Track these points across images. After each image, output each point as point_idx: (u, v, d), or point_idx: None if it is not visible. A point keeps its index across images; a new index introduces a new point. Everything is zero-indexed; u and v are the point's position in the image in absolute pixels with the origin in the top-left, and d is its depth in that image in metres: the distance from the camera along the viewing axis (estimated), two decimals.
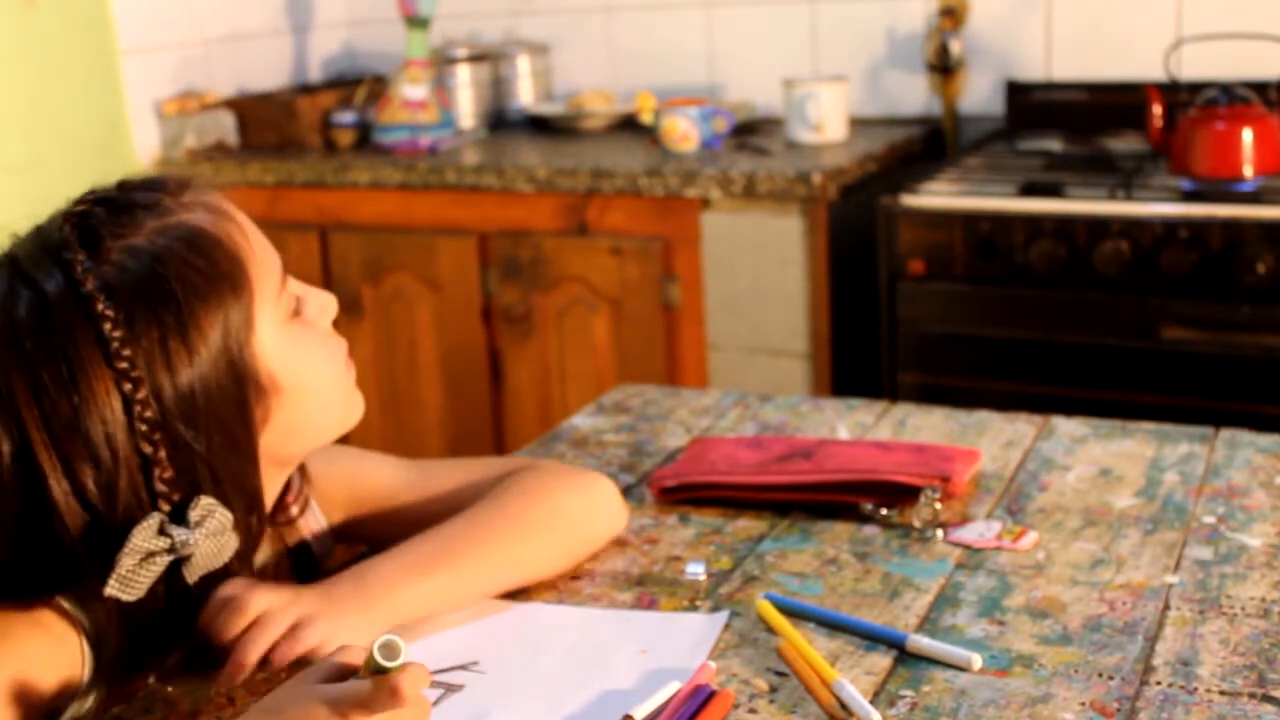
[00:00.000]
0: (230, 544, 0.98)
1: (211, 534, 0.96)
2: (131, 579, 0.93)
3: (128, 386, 0.93)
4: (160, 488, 0.94)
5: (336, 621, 1.01)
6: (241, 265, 1.00)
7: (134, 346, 0.93)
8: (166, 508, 0.94)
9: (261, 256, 1.03)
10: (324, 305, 1.09)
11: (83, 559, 0.93)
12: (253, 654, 0.99)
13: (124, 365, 0.93)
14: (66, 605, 0.96)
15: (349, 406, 1.10)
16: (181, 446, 0.95)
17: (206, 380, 0.96)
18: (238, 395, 0.98)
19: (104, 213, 0.98)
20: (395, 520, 1.18)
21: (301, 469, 1.14)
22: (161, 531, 0.93)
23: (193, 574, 0.97)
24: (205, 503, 0.96)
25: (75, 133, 2.83)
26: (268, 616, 1.00)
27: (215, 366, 0.97)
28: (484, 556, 1.11)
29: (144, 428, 0.93)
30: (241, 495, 1.00)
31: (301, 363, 1.04)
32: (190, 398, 0.95)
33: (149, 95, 2.99)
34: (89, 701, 0.97)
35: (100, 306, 0.93)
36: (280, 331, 1.03)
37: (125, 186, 1.02)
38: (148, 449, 0.93)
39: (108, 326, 0.93)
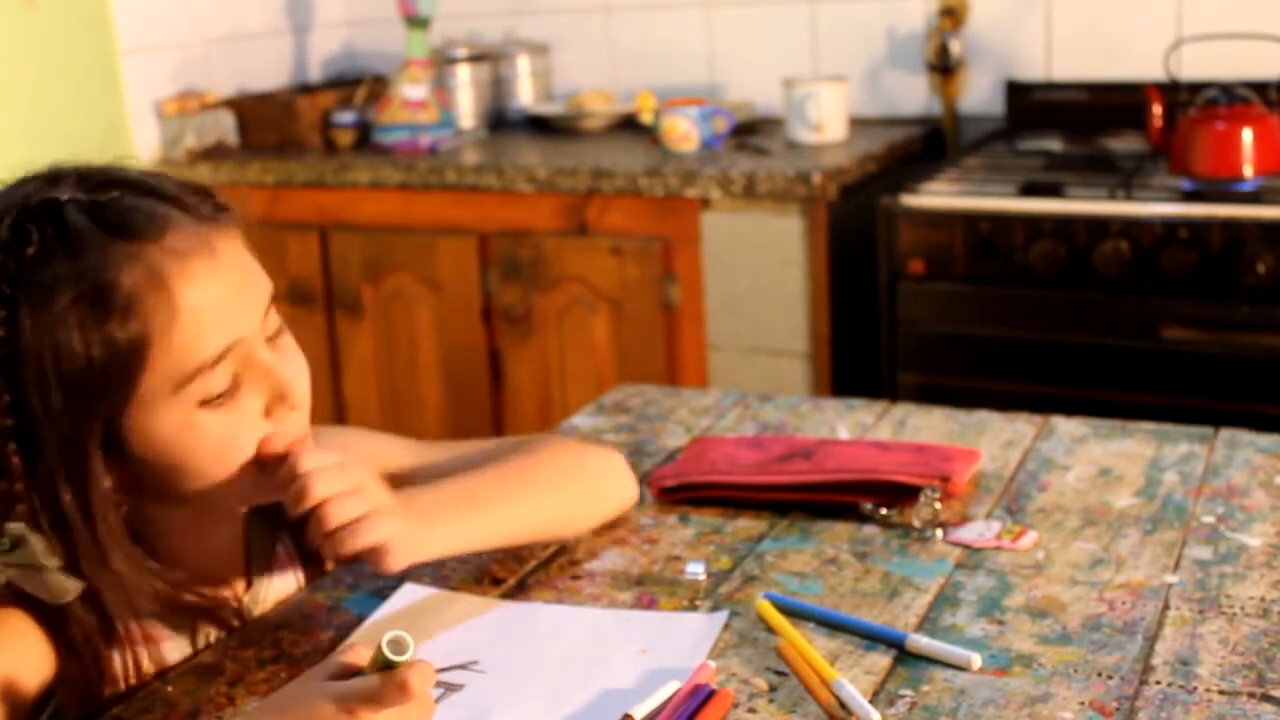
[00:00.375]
0: (55, 583, 0.93)
1: (18, 566, 0.92)
2: None
3: None
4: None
5: (407, 525, 1.01)
6: (138, 343, 0.92)
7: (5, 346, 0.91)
8: None
9: (184, 341, 0.94)
10: (278, 390, 0.99)
11: None
12: (325, 523, 0.98)
13: None
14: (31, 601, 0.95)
15: (236, 488, 1.00)
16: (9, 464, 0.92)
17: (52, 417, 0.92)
18: (77, 440, 0.93)
19: (63, 226, 0.94)
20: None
21: None
22: None
23: (40, 595, 0.93)
24: (13, 530, 0.92)
25: (75, 133, 2.83)
26: (341, 498, 0.98)
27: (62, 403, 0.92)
28: (526, 499, 1.14)
29: None
30: (71, 539, 0.94)
31: (182, 451, 0.96)
32: (30, 422, 0.92)
33: (149, 95, 2.99)
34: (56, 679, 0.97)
35: None
36: (169, 415, 0.95)
37: (134, 195, 0.98)
38: None
39: None
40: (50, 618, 0.96)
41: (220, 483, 0.99)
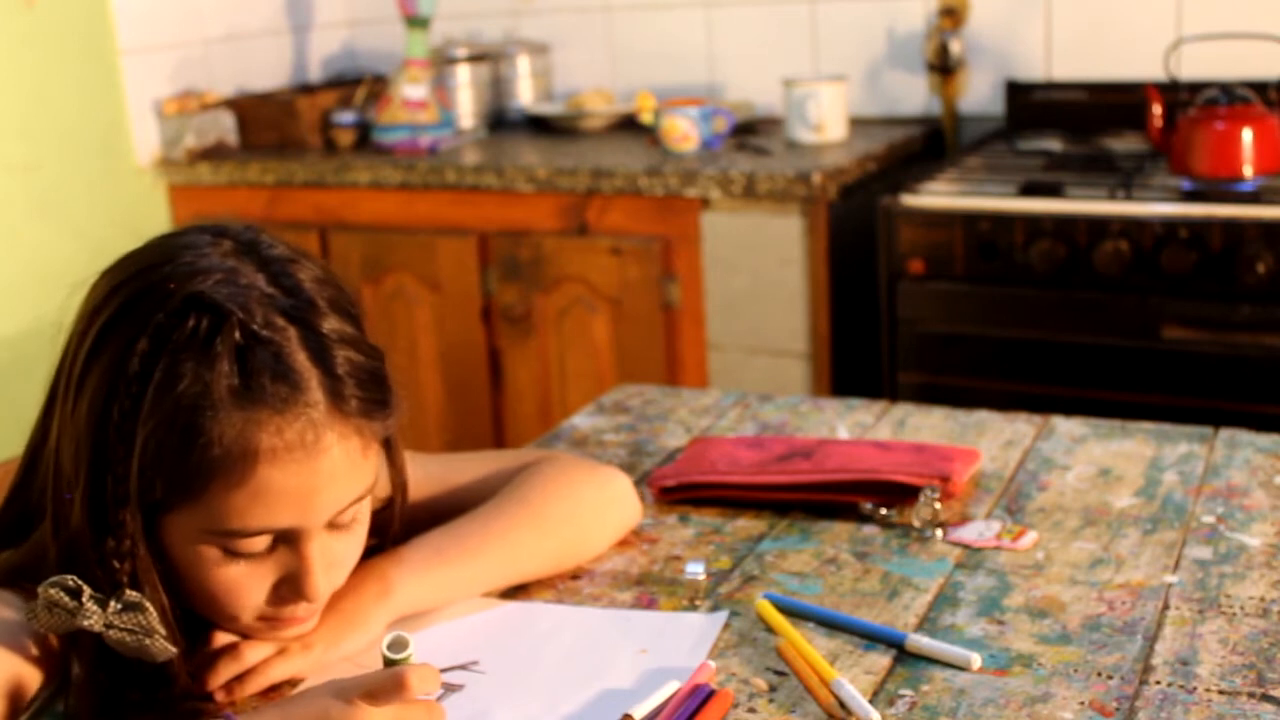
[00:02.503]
0: (158, 648, 0.93)
1: (134, 632, 0.92)
2: (40, 614, 0.91)
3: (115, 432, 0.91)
4: (108, 549, 0.91)
5: (303, 658, 1.01)
6: (198, 482, 0.91)
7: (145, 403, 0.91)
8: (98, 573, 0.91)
9: (237, 506, 0.92)
10: (297, 587, 0.96)
11: (48, 555, 0.94)
12: (213, 682, 0.98)
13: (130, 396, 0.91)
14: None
15: (226, 624, 1.00)
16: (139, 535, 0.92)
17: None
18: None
19: (281, 355, 0.92)
20: (413, 514, 1.17)
21: None
22: (74, 595, 0.90)
23: (118, 650, 0.93)
24: (130, 598, 0.91)
25: (75, 133, 2.83)
26: (246, 648, 0.99)
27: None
28: (502, 548, 1.11)
29: (111, 483, 0.91)
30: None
31: (186, 572, 0.95)
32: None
33: (149, 95, 2.99)
34: (55, 686, 0.97)
35: (148, 349, 0.91)
36: (192, 543, 0.94)
37: (316, 344, 0.94)
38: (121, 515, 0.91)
39: (137, 364, 0.91)
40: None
41: (209, 611, 0.98)
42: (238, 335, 0.91)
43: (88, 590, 0.90)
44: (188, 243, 0.97)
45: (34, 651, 0.93)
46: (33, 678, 0.93)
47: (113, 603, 0.91)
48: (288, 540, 0.96)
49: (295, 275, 0.97)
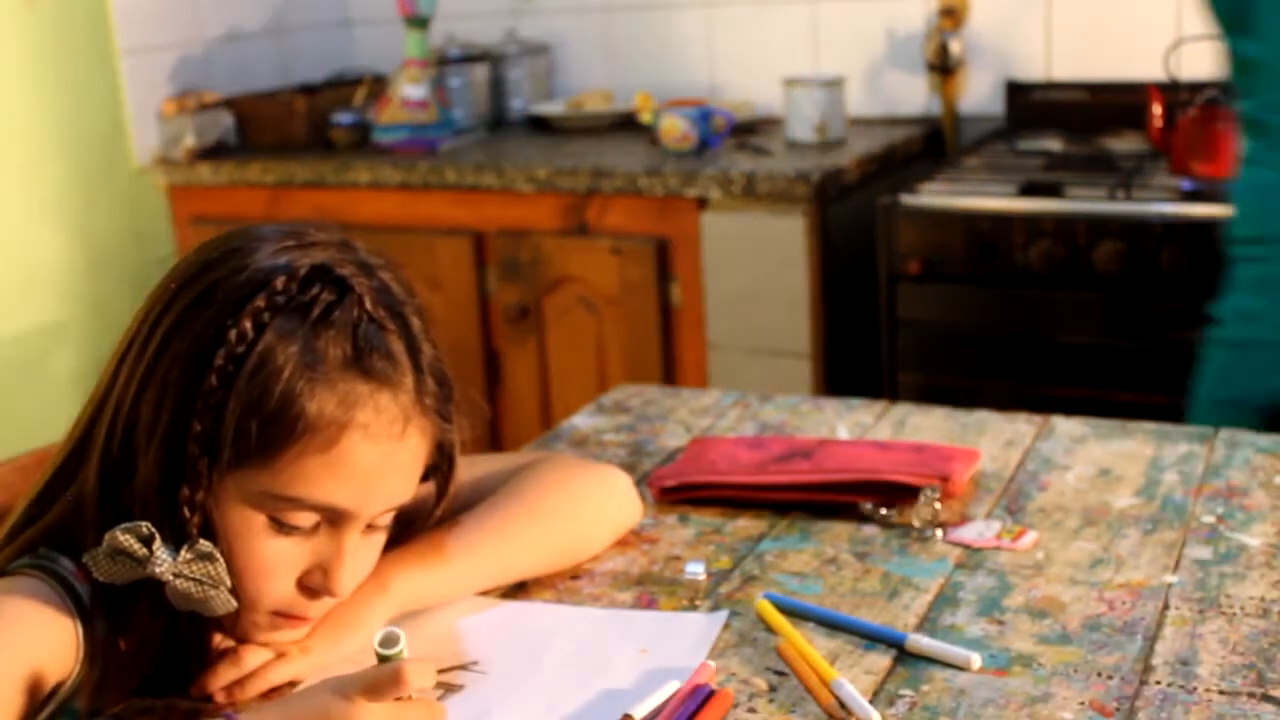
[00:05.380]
0: (221, 601, 0.94)
1: (201, 582, 0.93)
2: (102, 562, 0.92)
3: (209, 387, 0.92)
4: (182, 497, 0.92)
5: (302, 660, 1.01)
6: (278, 443, 0.93)
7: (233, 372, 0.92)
8: (165, 520, 0.93)
9: (308, 472, 0.94)
10: (329, 577, 0.98)
11: (85, 512, 0.94)
12: (212, 685, 0.99)
13: (220, 360, 0.92)
14: (65, 586, 0.95)
15: (252, 608, 0.99)
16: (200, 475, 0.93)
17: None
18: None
19: (361, 346, 0.95)
20: (413, 515, 1.18)
21: None
22: (145, 543, 0.92)
23: (175, 602, 0.94)
24: (203, 547, 0.93)
25: (75, 133, 2.83)
26: (245, 652, 1.00)
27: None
28: (500, 545, 1.11)
29: (198, 428, 0.92)
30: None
31: (229, 544, 0.96)
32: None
33: (149, 95, 2.99)
34: (80, 680, 0.97)
35: (250, 321, 0.93)
36: (244, 508, 0.95)
37: (411, 341, 0.99)
38: (192, 450, 0.92)
39: (234, 335, 0.92)
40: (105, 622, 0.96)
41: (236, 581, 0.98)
42: (356, 311, 0.96)
43: (159, 537, 0.92)
44: (278, 231, 1.01)
45: (54, 644, 0.93)
46: (52, 671, 0.93)
47: (184, 551, 0.92)
48: (333, 524, 0.97)
49: (385, 275, 1.03)
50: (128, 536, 0.91)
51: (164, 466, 0.93)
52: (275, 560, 0.97)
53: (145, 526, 0.91)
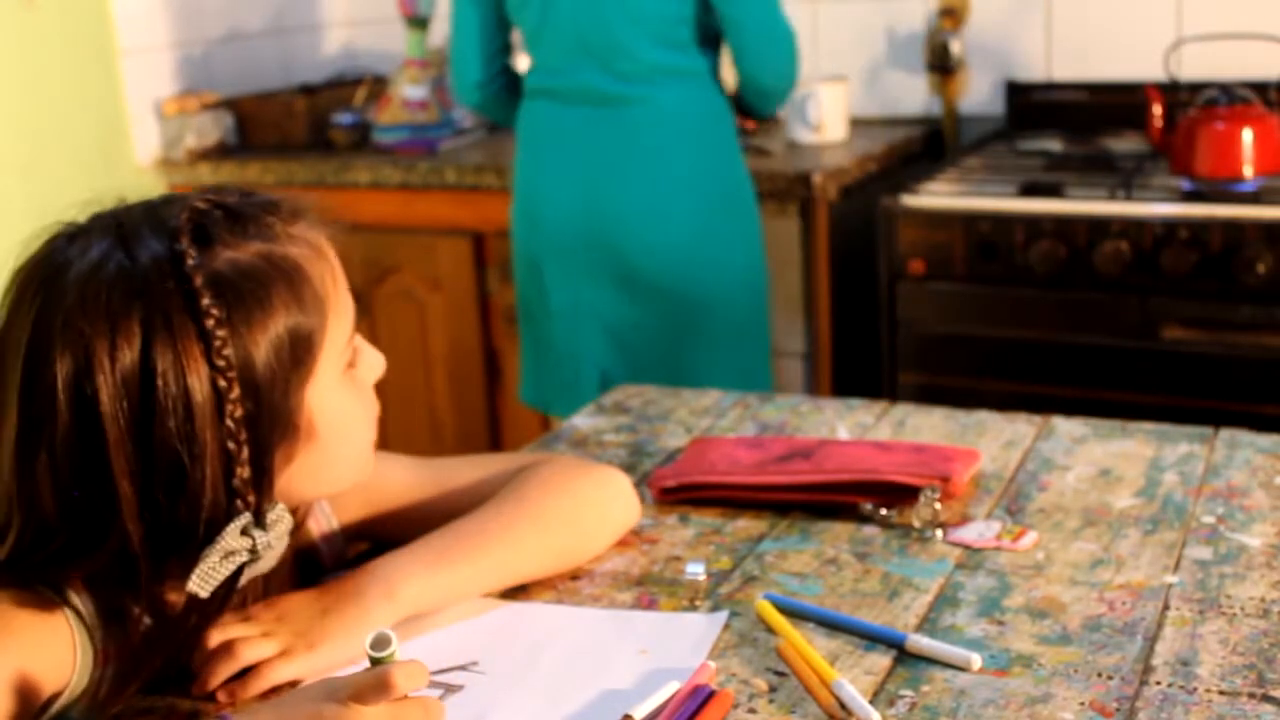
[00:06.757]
0: (281, 549, 1.00)
1: (280, 538, 0.98)
2: (212, 575, 0.94)
3: (222, 383, 0.92)
4: (238, 485, 0.94)
5: (306, 660, 1.02)
6: (323, 311, 1.00)
7: (230, 345, 0.93)
8: (243, 508, 0.94)
9: (341, 305, 1.03)
10: (375, 364, 1.06)
11: (138, 550, 0.93)
12: (212, 682, 1.00)
13: (222, 363, 0.92)
14: (64, 595, 0.95)
15: (364, 467, 1.08)
16: (257, 448, 0.95)
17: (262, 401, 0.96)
18: (274, 430, 0.97)
19: (221, 217, 0.97)
20: (411, 519, 1.18)
21: None
22: (244, 533, 0.94)
23: (250, 575, 0.98)
24: (279, 507, 0.97)
25: (75, 133, 2.83)
26: (241, 646, 1.01)
27: (269, 392, 0.96)
28: (503, 547, 1.11)
29: (231, 425, 0.93)
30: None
31: (344, 416, 1.02)
32: (256, 410, 0.95)
33: (149, 95, 2.99)
34: (80, 689, 0.97)
35: (206, 302, 0.92)
36: (335, 382, 1.01)
37: (246, 197, 1.01)
38: (232, 447, 0.93)
39: (211, 322, 0.92)
40: (103, 625, 0.96)
41: (358, 460, 1.06)
42: (188, 215, 0.97)
43: (249, 524, 0.95)
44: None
45: (49, 653, 0.93)
46: (47, 680, 0.93)
47: (270, 515, 0.96)
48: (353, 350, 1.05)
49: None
50: (235, 537, 0.94)
51: (223, 465, 0.93)
52: (363, 405, 1.05)
53: (243, 520, 0.94)
